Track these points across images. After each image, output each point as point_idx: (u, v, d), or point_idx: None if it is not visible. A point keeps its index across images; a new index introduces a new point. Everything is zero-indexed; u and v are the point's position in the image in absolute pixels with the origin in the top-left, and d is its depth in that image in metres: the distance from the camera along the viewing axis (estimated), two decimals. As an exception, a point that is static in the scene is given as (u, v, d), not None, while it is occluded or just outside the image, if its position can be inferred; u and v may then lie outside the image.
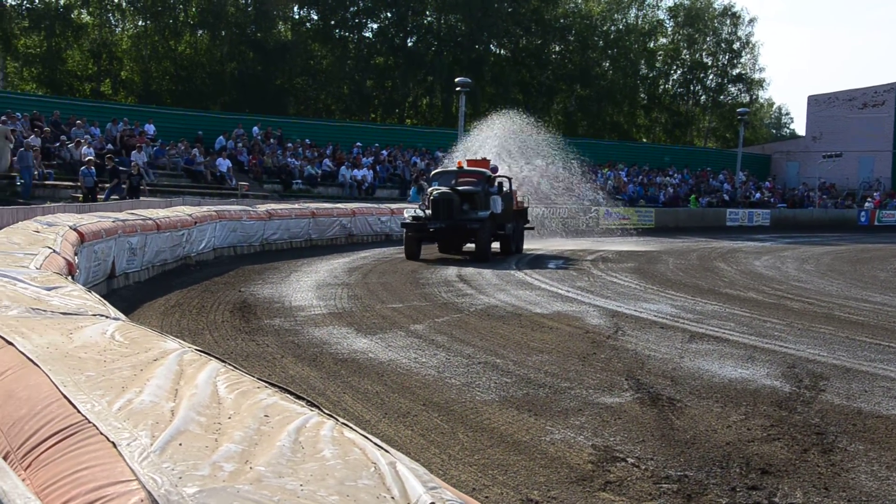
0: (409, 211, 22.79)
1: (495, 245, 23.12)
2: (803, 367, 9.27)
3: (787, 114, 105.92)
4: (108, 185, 24.73)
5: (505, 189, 23.20)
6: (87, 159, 24.16)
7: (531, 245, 26.49)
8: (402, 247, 22.71)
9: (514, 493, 5.31)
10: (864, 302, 15.43)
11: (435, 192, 21.87)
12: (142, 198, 23.51)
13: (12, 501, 1.83)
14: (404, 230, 22.32)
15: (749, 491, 5.42)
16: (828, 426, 6.96)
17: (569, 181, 36.36)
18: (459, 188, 22.07)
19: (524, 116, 37.45)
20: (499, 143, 33.74)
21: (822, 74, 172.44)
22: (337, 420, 2.76)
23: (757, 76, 68.50)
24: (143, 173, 25.68)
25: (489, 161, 25.72)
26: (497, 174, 24.19)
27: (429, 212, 21.84)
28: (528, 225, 25.72)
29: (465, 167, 23.67)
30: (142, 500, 2.07)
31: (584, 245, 28.14)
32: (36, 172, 24.90)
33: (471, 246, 22.42)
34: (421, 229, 21.71)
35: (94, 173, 23.66)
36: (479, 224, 21.45)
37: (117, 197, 23.45)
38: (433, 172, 24.98)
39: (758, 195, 52.66)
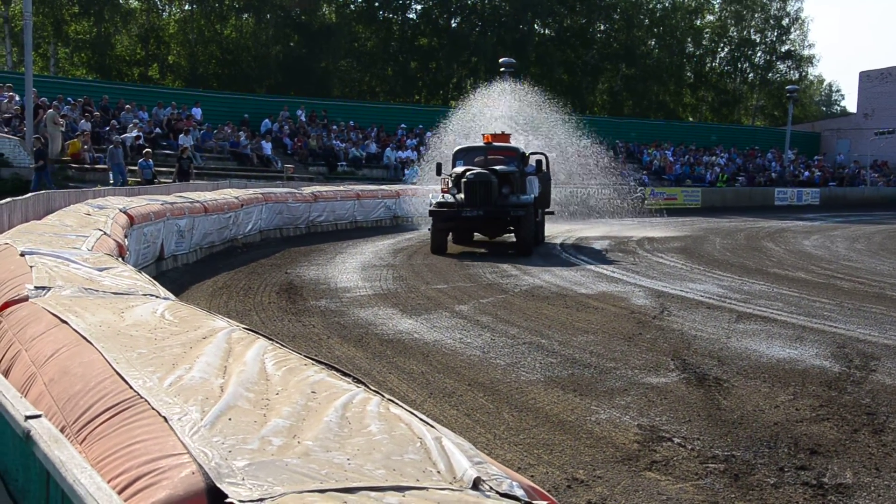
0: (435, 195, 19.49)
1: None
2: (853, 346, 9.14)
3: (838, 90, 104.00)
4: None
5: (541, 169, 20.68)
6: (145, 151, 24.25)
7: (572, 226, 26.34)
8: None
9: (559, 473, 5.32)
10: (917, 282, 15.15)
11: (469, 173, 18.46)
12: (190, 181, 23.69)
13: (69, 471, 1.88)
14: (431, 219, 18.99)
15: (797, 471, 5.37)
16: (879, 406, 6.86)
17: (598, 160, 32.58)
18: (497, 168, 18.93)
19: (526, 85, 34.38)
20: (504, 116, 30.28)
21: (875, 50, 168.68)
22: (383, 396, 2.79)
23: (806, 52, 67.12)
24: (192, 157, 25.84)
25: (509, 136, 22.61)
26: (534, 151, 21.83)
27: (460, 196, 18.56)
28: (548, 209, 22.30)
29: (493, 143, 20.70)
30: (193, 473, 2.12)
31: (628, 225, 27.92)
32: (87, 156, 25.30)
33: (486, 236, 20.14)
34: (452, 217, 18.52)
35: (153, 165, 23.63)
36: (524, 211, 18.34)
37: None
38: (456, 149, 21.01)
39: (807, 174, 51.79)
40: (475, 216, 18.40)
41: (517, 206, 18.43)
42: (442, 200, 18.73)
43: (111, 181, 22.91)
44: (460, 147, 21.19)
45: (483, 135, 21.96)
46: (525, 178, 19.55)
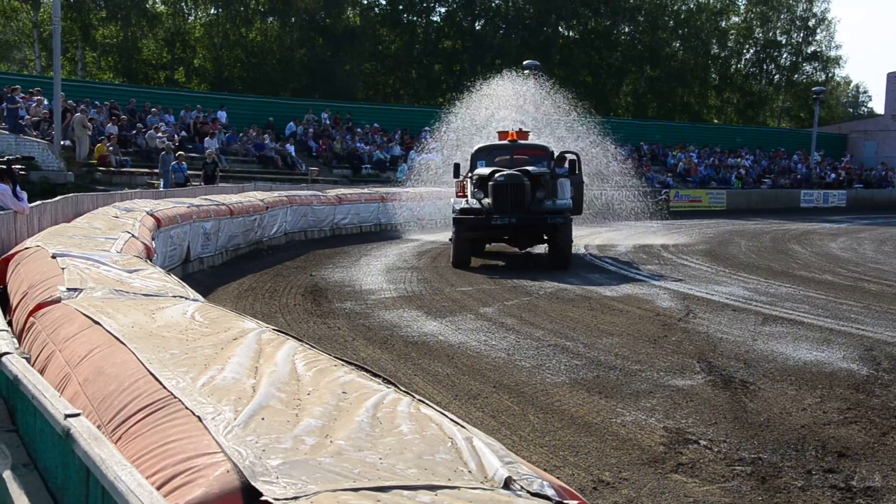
0: (458, 202, 17.16)
1: (542, 247, 17.99)
2: (881, 349, 9.08)
3: (865, 92, 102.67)
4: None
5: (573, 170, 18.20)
6: (178, 154, 24.32)
7: (595, 229, 26.24)
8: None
9: (585, 474, 5.33)
10: (946, 284, 15.00)
11: (498, 175, 16.32)
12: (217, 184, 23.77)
13: (110, 469, 1.92)
14: (454, 227, 16.78)
15: (825, 474, 5.35)
16: (907, 410, 6.82)
17: (623, 160, 30.66)
18: (529, 169, 16.69)
19: (537, 77, 32.08)
20: (515, 112, 27.64)
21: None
22: (413, 397, 2.82)
23: (833, 54, 66.55)
24: (217, 160, 25.93)
25: (528, 133, 20.02)
26: (565, 150, 19.40)
27: (486, 201, 16.36)
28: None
29: (518, 140, 18.47)
30: (228, 471, 2.15)
31: (652, 228, 27.80)
32: (114, 159, 25.53)
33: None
34: (480, 226, 16.36)
35: (185, 168, 23.63)
36: (563, 218, 16.20)
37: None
38: (476, 148, 18.67)
39: (833, 176, 51.36)
40: (506, 224, 16.22)
41: (554, 212, 16.25)
42: (466, 206, 16.53)
43: (161, 186, 23.00)
44: (481, 146, 18.88)
45: (499, 132, 20.11)
46: (556, 180, 17.20)
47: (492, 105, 28.88)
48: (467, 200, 16.78)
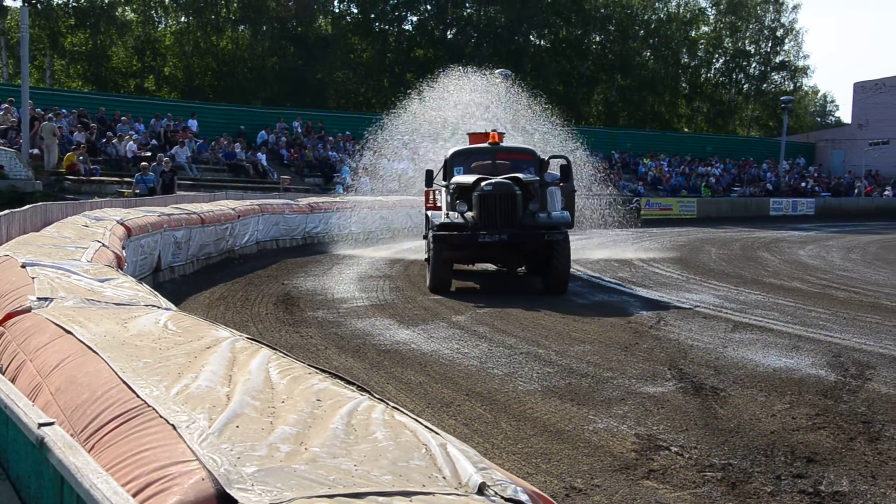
0: (436, 215, 14.76)
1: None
2: (849, 356, 9.19)
3: (833, 101, 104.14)
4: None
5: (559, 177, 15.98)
6: (142, 165, 24.07)
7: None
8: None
9: (557, 481, 5.35)
10: (912, 291, 15.22)
11: (485, 184, 14.08)
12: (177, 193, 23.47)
13: (85, 477, 1.92)
14: (430, 246, 14.38)
15: (794, 479, 5.41)
16: (874, 415, 6.91)
17: (596, 167, 28.22)
18: (520, 176, 14.54)
19: (503, 75, 30.28)
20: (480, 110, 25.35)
21: (870, 61, 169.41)
22: (387, 404, 2.83)
23: (801, 63, 67.54)
24: (175, 170, 25.15)
25: (503, 135, 17.33)
26: (554, 154, 17.21)
27: (469, 214, 14.14)
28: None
29: (500, 143, 16.18)
30: (203, 479, 2.16)
31: (623, 236, 27.94)
32: (83, 168, 25.33)
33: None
34: (465, 244, 13.98)
35: (152, 179, 23.32)
36: (563, 235, 13.89)
37: None
38: (452, 152, 16.13)
39: (802, 184, 51.96)
40: (496, 241, 13.79)
41: (551, 226, 14.06)
42: (447, 221, 14.20)
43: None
44: (458, 149, 16.41)
45: (470, 134, 17.82)
46: (545, 189, 15.03)
47: (454, 107, 26.40)
48: (448, 214, 14.40)
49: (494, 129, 17.69)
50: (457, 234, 13.94)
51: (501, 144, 16.18)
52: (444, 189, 15.34)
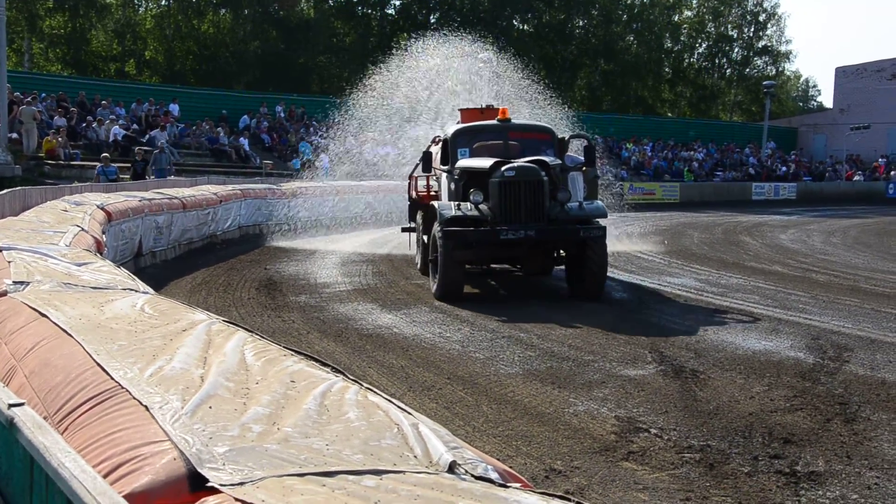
0: (445, 207, 11.99)
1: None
2: (828, 338, 9.26)
3: (815, 86, 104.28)
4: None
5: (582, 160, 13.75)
6: (103, 156, 23.54)
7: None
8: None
9: (537, 464, 5.38)
10: (891, 274, 15.33)
11: (505, 169, 11.61)
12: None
13: (54, 456, 1.92)
14: (439, 242, 11.49)
15: (771, 460, 5.46)
16: (851, 396, 6.97)
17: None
18: (546, 160, 12.17)
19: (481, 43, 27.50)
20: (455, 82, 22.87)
21: (851, 46, 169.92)
22: (361, 385, 2.84)
23: (783, 48, 67.55)
24: (147, 159, 24.59)
25: (506, 111, 13.57)
26: (576, 133, 15.15)
27: (483, 206, 11.69)
28: None
29: (510, 120, 13.37)
30: (174, 459, 2.15)
31: (606, 221, 27.89)
32: (62, 152, 25.11)
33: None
34: (483, 241, 11.62)
35: (114, 170, 22.70)
36: (601, 232, 11.66)
37: None
38: (455, 130, 13.37)
39: (784, 169, 52.17)
40: (522, 238, 11.49)
41: (584, 220, 11.79)
42: (459, 214, 11.69)
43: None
44: (461, 127, 13.56)
45: (461, 110, 15.33)
46: (566, 174, 12.76)
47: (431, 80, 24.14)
48: (458, 205, 11.91)
49: (490, 104, 15.50)
50: (472, 229, 11.57)
51: (514, 121, 13.66)
52: (444, 175, 13.15)
